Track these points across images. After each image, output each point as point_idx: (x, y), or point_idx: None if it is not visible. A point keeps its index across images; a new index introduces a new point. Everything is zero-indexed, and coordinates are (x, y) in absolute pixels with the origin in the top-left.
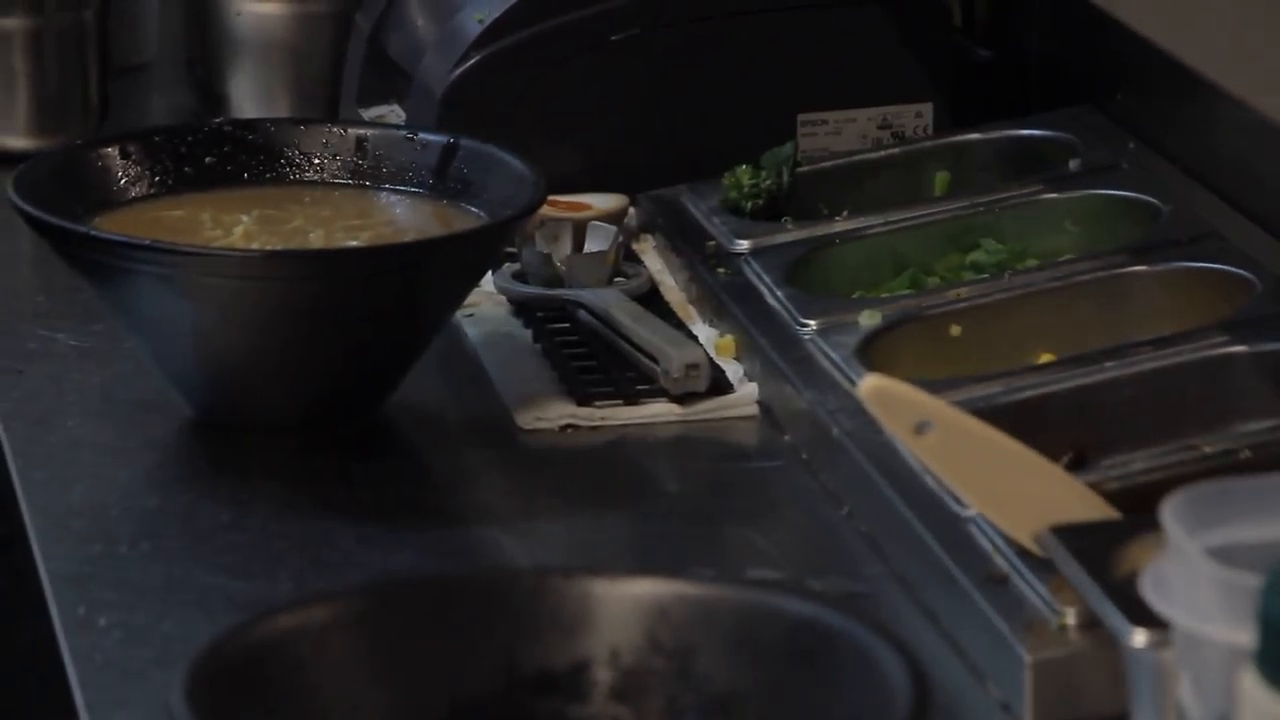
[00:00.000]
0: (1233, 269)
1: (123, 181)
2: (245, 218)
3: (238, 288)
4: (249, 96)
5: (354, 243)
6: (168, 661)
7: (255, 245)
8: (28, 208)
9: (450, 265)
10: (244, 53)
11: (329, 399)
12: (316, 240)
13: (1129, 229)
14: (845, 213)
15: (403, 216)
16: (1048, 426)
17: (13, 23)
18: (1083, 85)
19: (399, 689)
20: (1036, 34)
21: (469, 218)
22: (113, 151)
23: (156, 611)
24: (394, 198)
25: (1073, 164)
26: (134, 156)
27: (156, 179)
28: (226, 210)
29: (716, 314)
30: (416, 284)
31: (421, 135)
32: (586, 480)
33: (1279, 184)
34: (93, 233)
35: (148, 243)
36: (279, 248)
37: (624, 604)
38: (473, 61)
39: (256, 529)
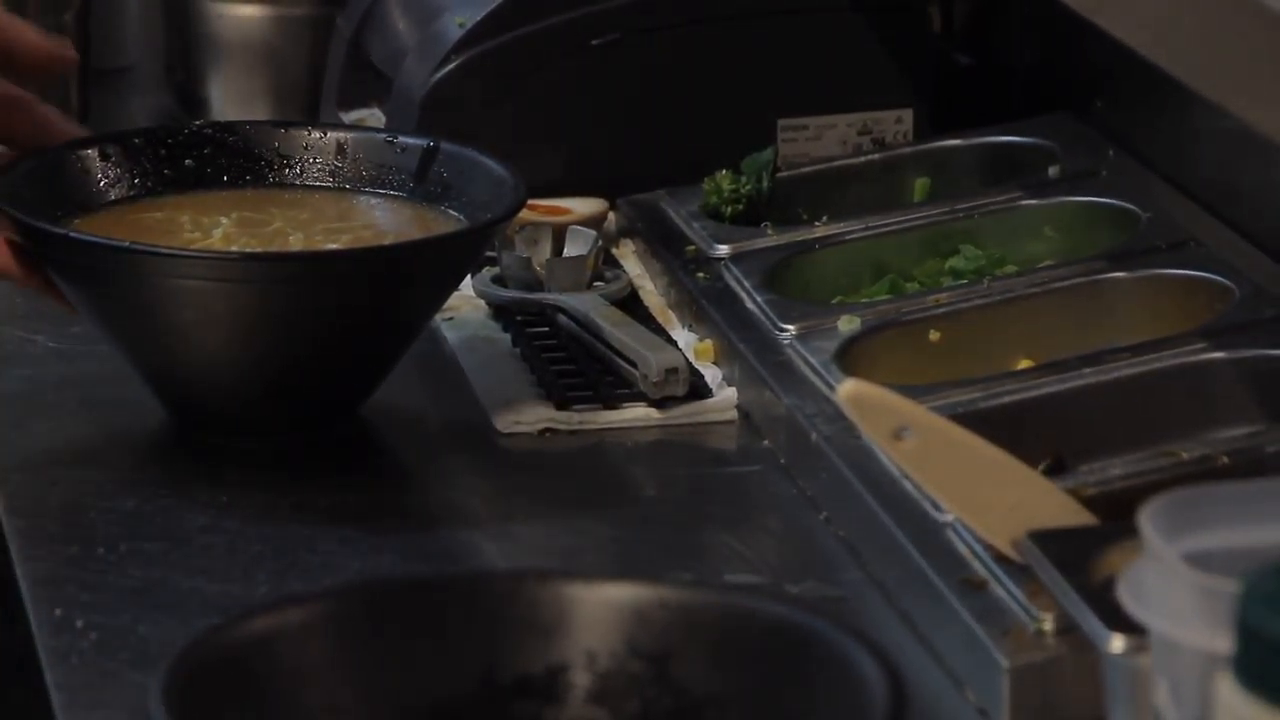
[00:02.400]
0: (1212, 276)
1: (101, 183)
2: (225, 220)
3: (215, 290)
4: (229, 100)
5: (333, 245)
6: (145, 663)
7: (234, 248)
8: (6, 208)
9: (429, 269)
10: (224, 56)
11: (307, 402)
12: (296, 243)
13: (1108, 235)
14: (825, 218)
15: (382, 220)
16: (1026, 432)
17: None
18: (1063, 92)
19: (376, 691)
20: (1017, 41)
21: (449, 221)
22: (92, 154)
23: (133, 613)
24: (374, 201)
25: (1052, 171)
26: (113, 158)
27: (136, 181)
28: (206, 212)
29: (696, 319)
30: (395, 287)
31: (401, 139)
32: (565, 484)
33: (1258, 191)
34: (71, 234)
35: (125, 244)
36: (257, 249)
37: (601, 608)
38: (453, 65)
39: (234, 531)
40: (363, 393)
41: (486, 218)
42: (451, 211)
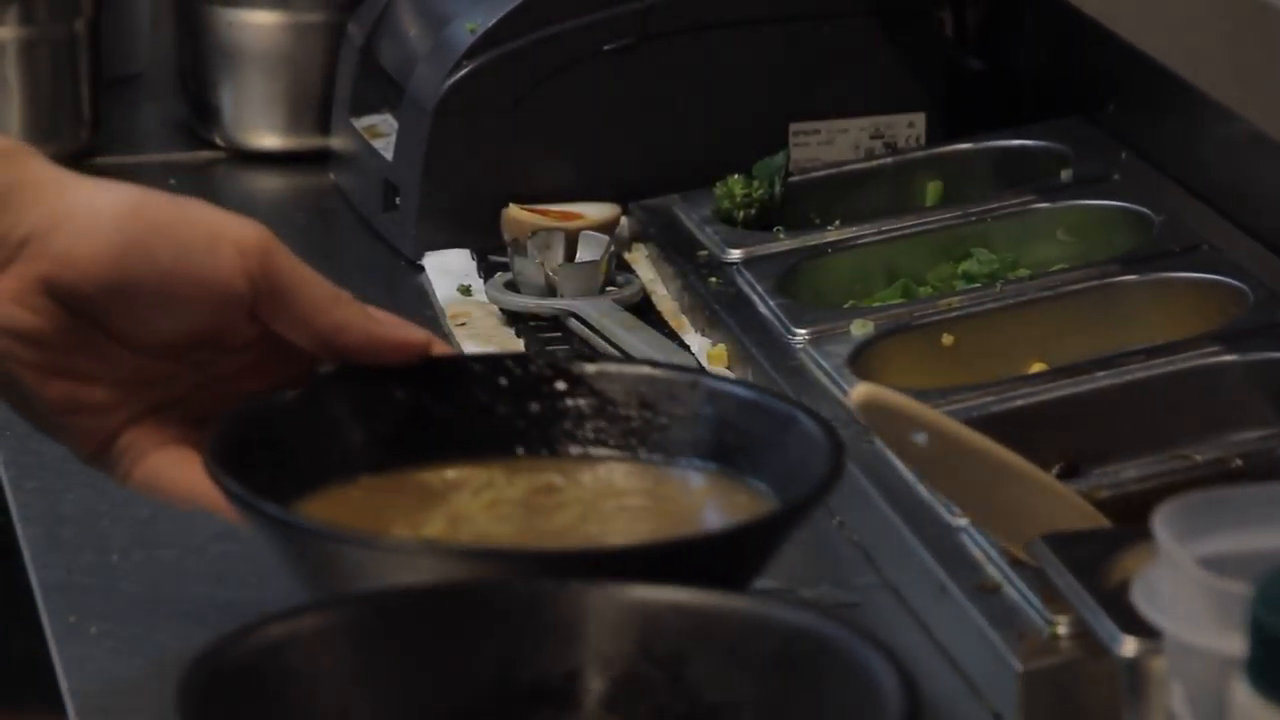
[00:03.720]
0: (1224, 279)
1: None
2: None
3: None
4: (241, 107)
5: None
6: (159, 671)
7: (495, 532)
8: (209, 463)
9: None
10: (236, 63)
11: None
12: (569, 521)
13: (1121, 239)
14: (837, 222)
15: (676, 501)
16: (1039, 436)
17: (4, 32)
18: (1075, 95)
19: (390, 698)
20: (1028, 45)
21: (752, 497)
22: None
23: (148, 621)
24: (670, 475)
25: (1065, 174)
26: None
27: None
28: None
29: (708, 323)
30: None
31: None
32: None
33: (1271, 194)
34: (281, 516)
35: (321, 530)
36: (483, 545)
37: (616, 613)
38: (465, 71)
39: (248, 539)
40: None
41: (794, 498)
42: (757, 483)
